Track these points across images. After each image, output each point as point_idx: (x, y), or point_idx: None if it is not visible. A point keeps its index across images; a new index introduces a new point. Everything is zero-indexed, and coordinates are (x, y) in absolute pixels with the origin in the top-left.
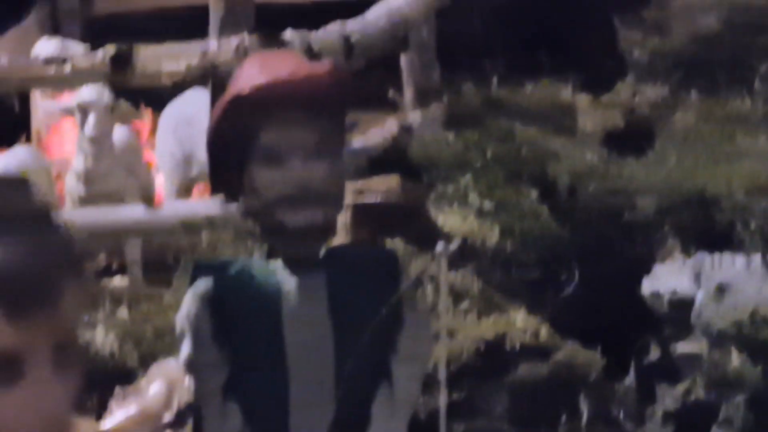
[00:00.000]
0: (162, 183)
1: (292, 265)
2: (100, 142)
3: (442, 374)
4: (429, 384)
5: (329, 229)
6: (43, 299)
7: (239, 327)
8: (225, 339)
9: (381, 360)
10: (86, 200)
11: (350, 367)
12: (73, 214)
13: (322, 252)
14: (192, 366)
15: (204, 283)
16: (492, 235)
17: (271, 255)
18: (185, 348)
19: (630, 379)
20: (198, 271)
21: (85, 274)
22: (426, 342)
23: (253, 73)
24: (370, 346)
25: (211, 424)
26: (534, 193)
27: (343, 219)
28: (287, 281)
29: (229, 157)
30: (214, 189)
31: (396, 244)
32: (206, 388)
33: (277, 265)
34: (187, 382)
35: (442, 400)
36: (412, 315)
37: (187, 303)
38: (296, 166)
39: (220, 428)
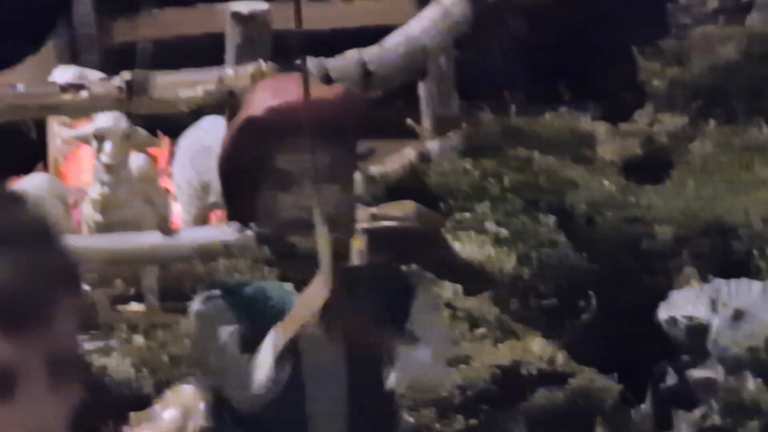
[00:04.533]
0: (179, 210)
1: (304, 288)
2: (116, 169)
3: None
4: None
5: (341, 253)
6: (38, 314)
7: (253, 348)
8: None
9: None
10: (103, 227)
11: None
12: (90, 241)
13: None
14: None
15: (216, 291)
16: (509, 263)
17: (283, 278)
18: (196, 337)
19: (646, 405)
20: (212, 290)
21: (80, 289)
22: (436, 309)
23: (266, 96)
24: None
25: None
26: (551, 221)
27: (359, 244)
28: None
29: (242, 180)
30: (230, 215)
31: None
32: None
33: (290, 287)
34: (201, 405)
35: None
36: (422, 283)
37: (198, 303)
38: (308, 190)
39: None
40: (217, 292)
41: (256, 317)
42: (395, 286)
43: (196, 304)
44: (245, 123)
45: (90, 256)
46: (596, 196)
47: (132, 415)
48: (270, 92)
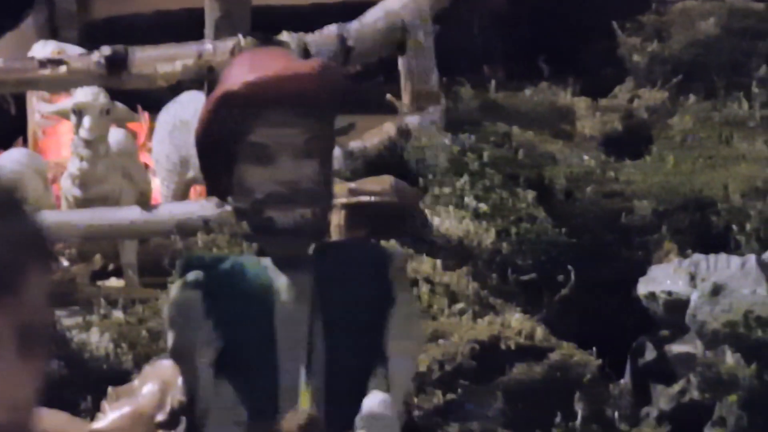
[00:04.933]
0: (158, 185)
1: (282, 263)
2: (95, 144)
3: None
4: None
5: (318, 228)
6: (7, 283)
7: (230, 322)
8: (216, 320)
9: (374, 342)
10: (82, 202)
11: (339, 361)
12: (69, 216)
13: (312, 249)
14: (180, 350)
15: (194, 274)
16: (488, 238)
17: (261, 253)
18: (170, 337)
19: (625, 379)
20: (188, 266)
21: (50, 258)
22: (417, 321)
23: (243, 70)
24: (362, 334)
25: (203, 401)
26: (530, 196)
27: (337, 219)
28: (278, 278)
29: (219, 154)
30: (209, 190)
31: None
32: (198, 365)
33: (268, 262)
34: (179, 380)
35: None
36: (403, 294)
37: (176, 289)
38: (285, 164)
39: (213, 404)
40: (193, 277)
41: (232, 294)
42: (374, 263)
43: (174, 291)
44: (222, 97)
45: (69, 231)
46: (575, 171)
47: (110, 389)
48: (247, 66)
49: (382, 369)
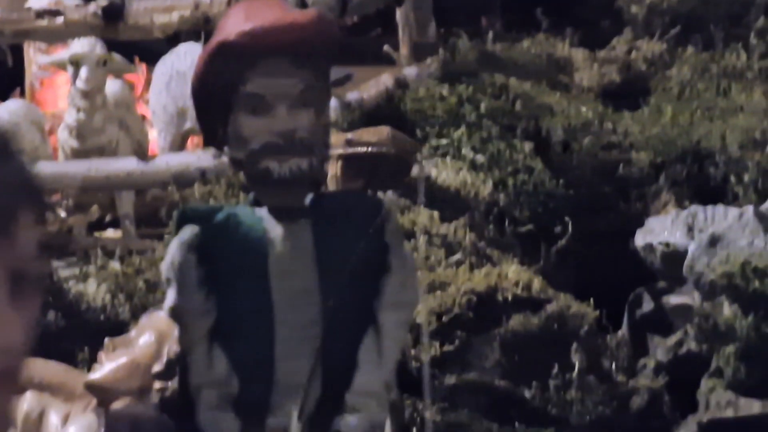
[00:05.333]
0: (155, 137)
1: (278, 213)
2: (92, 95)
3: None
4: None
5: (315, 178)
6: None
7: (225, 274)
8: (211, 286)
9: (367, 307)
10: (79, 153)
11: (334, 310)
12: (66, 167)
13: (308, 200)
14: (177, 313)
15: (190, 230)
16: (485, 189)
17: (257, 203)
18: (170, 295)
19: (622, 331)
20: (184, 218)
21: (43, 204)
22: (412, 288)
23: (239, 20)
24: (357, 292)
25: (197, 371)
26: (528, 148)
27: (334, 170)
28: (273, 229)
29: (215, 104)
30: (206, 141)
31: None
32: (192, 334)
33: (263, 213)
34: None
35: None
36: (398, 261)
37: (173, 250)
38: (281, 114)
39: (206, 375)
40: (188, 235)
41: (227, 247)
42: (371, 219)
43: (170, 250)
44: (218, 47)
45: (66, 182)
46: (573, 122)
47: (107, 340)
48: (243, 16)
49: (373, 335)
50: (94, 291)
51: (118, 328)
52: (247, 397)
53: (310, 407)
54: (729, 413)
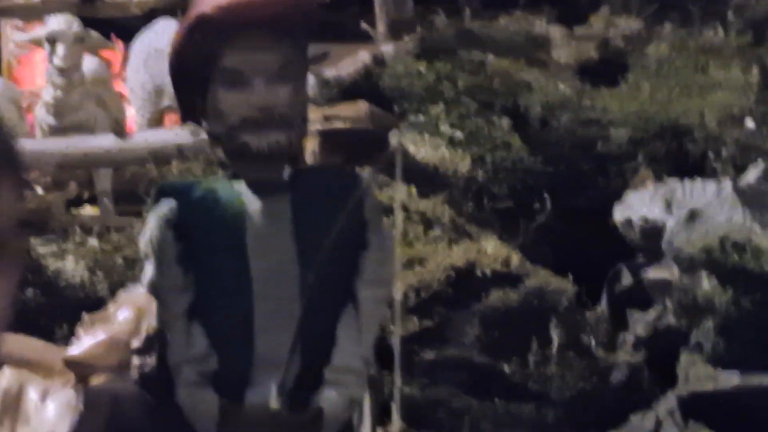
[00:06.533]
0: (133, 114)
1: (257, 187)
2: (69, 72)
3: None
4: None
5: (293, 152)
6: None
7: (203, 249)
8: (189, 262)
9: (346, 283)
10: (56, 131)
11: (313, 285)
12: (43, 144)
13: (287, 174)
14: (155, 289)
15: (167, 205)
16: (463, 165)
17: (235, 177)
18: (148, 271)
19: (601, 306)
20: (161, 193)
21: (20, 170)
22: (390, 264)
23: None
24: (336, 267)
25: (175, 348)
26: (506, 124)
27: (312, 145)
28: (252, 203)
29: (192, 79)
30: (183, 116)
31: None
32: (171, 310)
33: (242, 187)
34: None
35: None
36: (377, 237)
37: (150, 226)
38: (259, 88)
39: (185, 351)
40: (166, 210)
41: (205, 221)
42: (349, 193)
43: (148, 224)
44: (195, 21)
45: (44, 159)
46: (551, 98)
47: (86, 316)
48: None
49: (352, 311)
50: (72, 268)
51: (97, 304)
52: (227, 373)
53: (290, 383)
54: (708, 387)
